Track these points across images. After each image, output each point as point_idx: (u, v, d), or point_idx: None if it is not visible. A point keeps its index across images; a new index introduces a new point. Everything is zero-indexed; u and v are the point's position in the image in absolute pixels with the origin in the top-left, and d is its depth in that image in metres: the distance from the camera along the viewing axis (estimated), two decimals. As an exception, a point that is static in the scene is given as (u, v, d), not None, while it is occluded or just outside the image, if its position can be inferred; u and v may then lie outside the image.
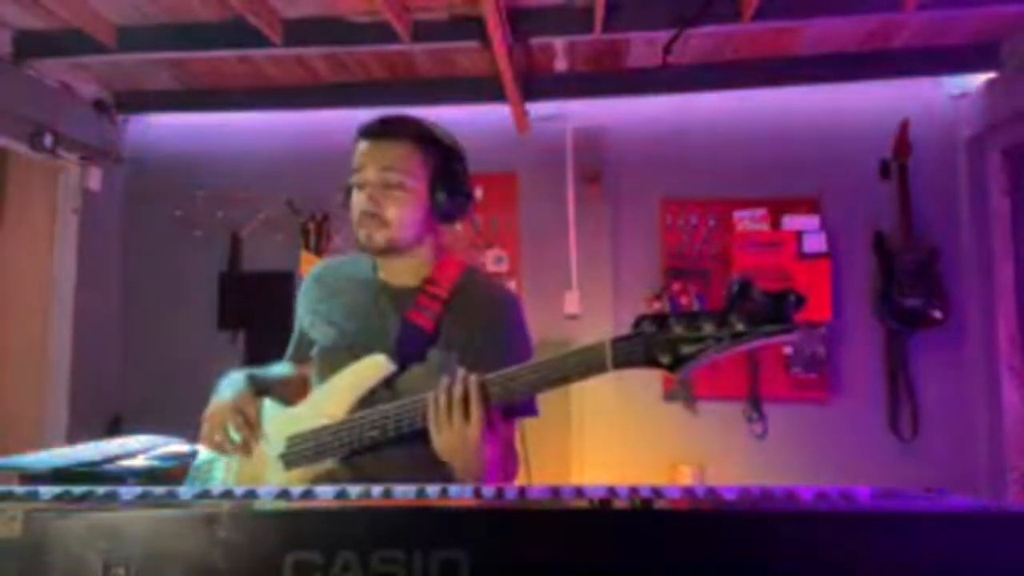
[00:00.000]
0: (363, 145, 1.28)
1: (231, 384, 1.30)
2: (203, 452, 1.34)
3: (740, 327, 0.90)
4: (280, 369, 1.48)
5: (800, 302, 0.88)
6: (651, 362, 0.96)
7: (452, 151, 1.31)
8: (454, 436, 1.07)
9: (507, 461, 1.25)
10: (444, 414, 1.07)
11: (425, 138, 1.28)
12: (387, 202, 1.24)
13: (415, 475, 1.16)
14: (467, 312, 1.28)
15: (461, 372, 1.09)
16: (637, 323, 0.99)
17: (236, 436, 1.23)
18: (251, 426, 1.24)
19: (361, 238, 1.27)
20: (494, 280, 1.47)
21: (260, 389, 1.33)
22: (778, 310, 0.88)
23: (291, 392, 1.44)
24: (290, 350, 1.49)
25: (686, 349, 0.94)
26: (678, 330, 0.94)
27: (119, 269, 3.83)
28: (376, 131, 1.27)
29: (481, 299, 1.31)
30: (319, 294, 1.39)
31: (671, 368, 0.95)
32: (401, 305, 1.29)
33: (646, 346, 0.97)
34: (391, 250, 1.28)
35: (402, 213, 1.25)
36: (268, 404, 1.32)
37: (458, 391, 1.07)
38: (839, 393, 3.36)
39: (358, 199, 1.26)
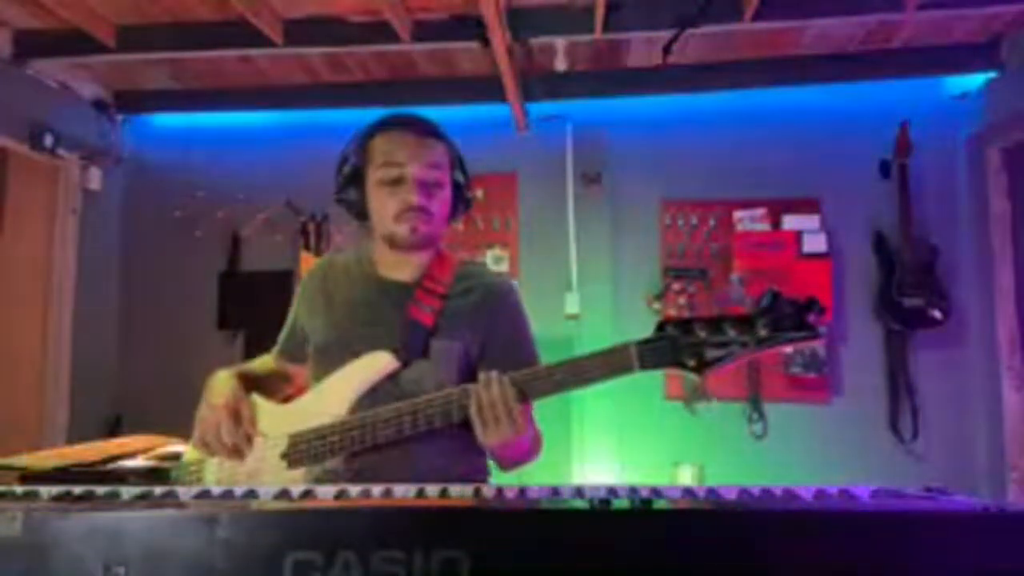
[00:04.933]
0: (397, 138, 1.28)
1: (222, 383, 1.28)
2: (191, 450, 1.33)
3: (764, 332, 0.94)
4: (266, 363, 1.47)
5: (822, 311, 0.93)
6: (677, 364, 0.99)
7: (460, 156, 1.36)
8: (501, 433, 1.09)
9: (535, 441, 1.30)
10: (488, 414, 1.09)
11: (447, 140, 1.33)
12: (432, 198, 1.27)
13: (423, 474, 1.17)
14: (466, 303, 1.30)
15: (494, 374, 1.11)
16: (660, 327, 1.01)
17: (230, 439, 1.21)
18: (246, 427, 1.23)
19: (402, 233, 1.26)
20: (488, 269, 1.47)
21: (249, 386, 1.32)
22: (802, 317, 0.93)
23: (278, 387, 1.44)
24: (281, 344, 1.47)
25: (712, 353, 0.97)
26: (702, 334, 0.98)
27: (119, 269, 3.83)
28: (410, 126, 1.30)
29: (478, 289, 1.32)
30: (318, 291, 1.39)
31: (696, 371, 0.98)
32: (400, 301, 1.29)
33: (672, 349, 0.99)
34: (427, 245, 1.30)
35: (442, 210, 1.31)
36: (263, 401, 1.30)
37: (496, 393, 1.08)
38: (839, 393, 3.36)
39: (397, 195, 1.26)
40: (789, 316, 0.93)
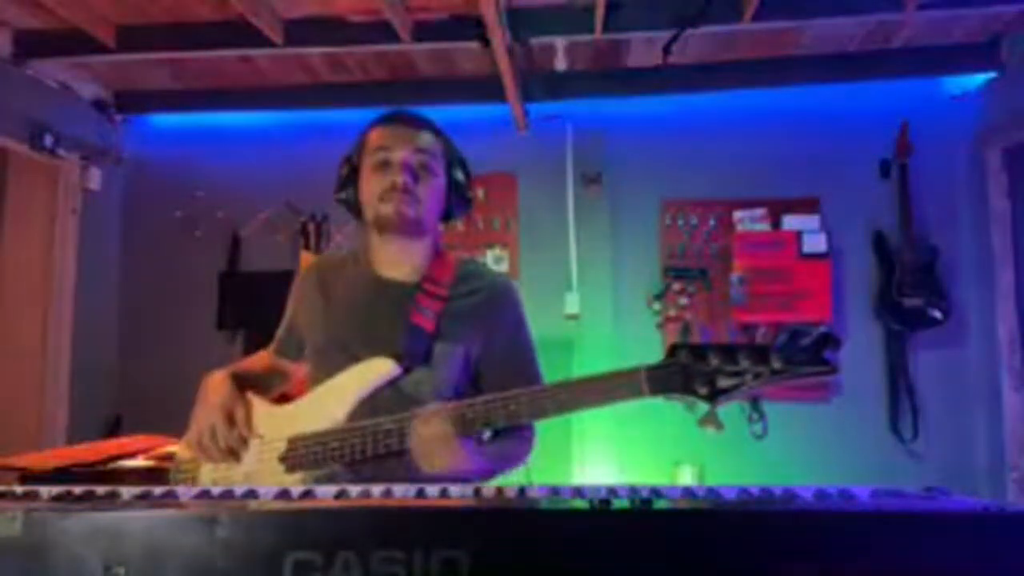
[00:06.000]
0: (388, 129, 1.30)
1: (216, 384, 1.28)
2: (183, 448, 1.33)
3: (778, 365, 0.92)
4: (261, 359, 1.46)
5: (838, 346, 0.91)
6: (688, 391, 0.97)
7: (461, 157, 1.37)
8: (436, 467, 1.10)
9: (517, 449, 1.30)
10: (424, 449, 1.10)
11: (444, 137, 1.35)
12: (419, 181, 1.27)
13: (423, 479, 1.16)
14: (467, 304, 1.30)
15: (432, 406, 1.12)
16: (672, 351, 0.99)
17: (224, 441, 1.21)
18: (241, 429, 1.23)
19: (386, 212, 1.26)
20: (489, 268, 1.47)
21: (244, 385, 1.32)
22: (818, 352, 0.91)
23: (274, 385, 1.44)
24: (278, 341, 1.46)
25: (724, 382, 0.95)
26: (715, 362, 0.95)
27: (119, 269, 3.83)
28: (404, 119, 1.31)
29: (480, 290, 1.32)
30: (315, 289, 1.38)
31: (708, 399, 0.96)
32: (399, 302, 1.28)
33: (683, 376, 0.97)
34: (415, 229, 1.29)
35: (431, 196, 1.30)
36: (260, 402, 1.30)
37: (435, 428, 1.10)
38: (839, 393, 3.36)
39: (384, 177, 1.26)
40: (805, 350, 0.91)
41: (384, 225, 1.28)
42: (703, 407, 0.97)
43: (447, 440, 1.09)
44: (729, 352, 0.95)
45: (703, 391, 0.96)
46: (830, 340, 0.91)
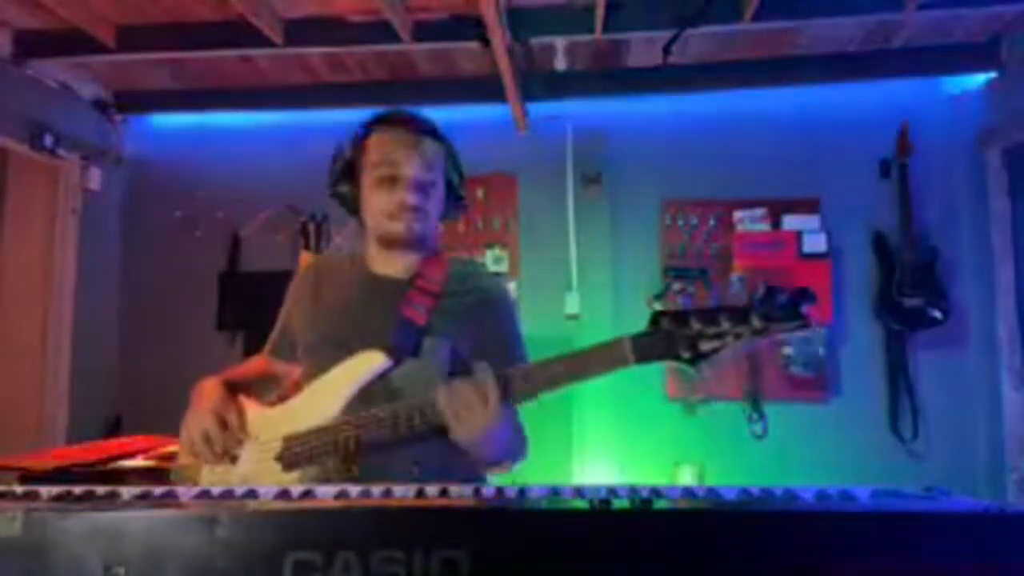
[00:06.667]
0: (391, 137, 1.29)
1: (208, 390, 1.28)
2: (183, 454, 1.33)
3: (758, 324, 0.93)
4: (254, 366, 1.46)
5: (815, 300, 0.93)
6: (672, 356, 0.98)
7: (457, 158, 1.37)
8: (473, 424, 1.06)
9: (517, 436, 1.28)
10: (463, 406, 1.06)
11: (443, 138, 1.34)
12: (428, 198, 1.29)
13: (420, 472, 1.16)
14: (460, 303, 1.30)
15: (481, 365, 1.09)
16: (655, 320, 0.99)
17: (218, 446, 1.22)
18: (234, 432, 1.23)
19: (396, 230, 1.27)
20: (485, 269, 1.48)
21: (237, 391, 1.32)
22: (795, 307, 0.93)
23: (267, 389, 1.44)
24: (272, 343, 1.47)
25: (706, 344, 0.96)
26: (697, 326, 0.96)
27: (119, 269, 3.83)
28: (404, 122, 1.30)
29: (474, 291, 1.33)
30: (310, 289, 1.39)
31: (692, 363, 0.97)
32: (392, 298, 1.29)
33: (667, 341, 0.98)
34: (421, 243, 1.31)
35: (436, 209, 1.32)
36: (255, 405, 1.30)
37: (472, 382, 1.07)
38: (839, 393, 3.36)
39: (391, 195, 1.26)
40: (783, 307, 0.93)
41: (393, 242, 1.29)
42: (703, 409, 0.98)
43: (486, 392, 1.05)
44: (710, 315, 0.96)
45: (686, 355, 0.97)
46: (806, 295, 0.92)
